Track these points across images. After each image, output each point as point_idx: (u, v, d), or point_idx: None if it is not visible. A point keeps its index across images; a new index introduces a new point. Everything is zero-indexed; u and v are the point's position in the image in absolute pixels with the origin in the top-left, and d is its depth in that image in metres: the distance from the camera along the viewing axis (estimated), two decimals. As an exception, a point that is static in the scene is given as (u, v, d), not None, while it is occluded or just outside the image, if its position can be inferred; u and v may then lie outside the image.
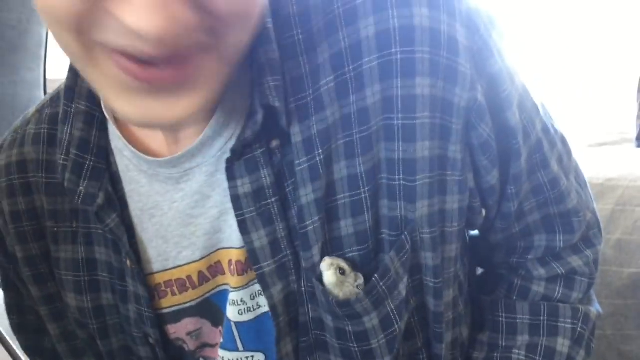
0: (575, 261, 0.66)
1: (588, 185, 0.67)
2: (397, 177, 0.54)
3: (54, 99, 0.64)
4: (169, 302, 0.61)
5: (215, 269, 0.60)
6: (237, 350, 0.61)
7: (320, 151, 0.53)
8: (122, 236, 0.58)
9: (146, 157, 0.57)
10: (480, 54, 0.53)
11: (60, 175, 0.60)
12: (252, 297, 0.59)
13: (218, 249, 0.59)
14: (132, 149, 0.57)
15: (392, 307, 0.56)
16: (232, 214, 0.56)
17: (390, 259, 0.55)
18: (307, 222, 0.53)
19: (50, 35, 1.88)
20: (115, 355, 0.67)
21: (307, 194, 0.53)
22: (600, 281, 1.19)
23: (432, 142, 0.53)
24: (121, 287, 0.62)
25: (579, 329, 0.66)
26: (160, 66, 0.41)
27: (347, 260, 0.55)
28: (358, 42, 0.51)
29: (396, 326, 0.56)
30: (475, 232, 0.70)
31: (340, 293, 0.54)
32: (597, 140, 1.71)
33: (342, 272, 0.54)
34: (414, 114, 0.52)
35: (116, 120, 0.58)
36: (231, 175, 0.54)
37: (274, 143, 0.53)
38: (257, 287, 0.57)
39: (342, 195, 0.54)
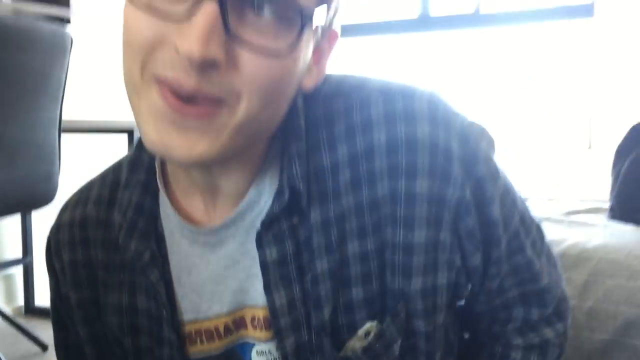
0: (549, 333, 0.77)
1: (558, 265, 0.79)
2: (397, 256, 0.65)
3: (116, 169, 0.75)
4: (198, 349, 0.70)
5: (239, 324, 0.69)
6: None
7: (335, 231, 0.64)
8: (160, 289, 0.68)
9: (189, 226, 0.67)
10: (469, 161, 0.65)
11: (115, 233, 0.69)
12: (277, 349, 0.68)
13: (243, 307, 0.68)
14: (179, 217, 0.67)
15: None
16: (257, 277, 0.66)
17: (387, 324, 0.65)
18: (320, 287, 0.64)
19: (68, 79, 1.98)
20: None
21: (322, 265, 0.64)
22: (573, 344, 1.27)
23: (428, 230, 0.65)
24: (158, 332, 0.70)
25: None
26: (191, 104, 0.52)
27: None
28: (371, 147, 0.63)
29: None
30: (462, 302, 0.79)
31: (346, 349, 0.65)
32: (573, 208, 1.81)
33: (366, 335, 0.65)
34: (414, 207, 0.64)
35: (167, 191, 0.69)
36: (259, 245, 0.64)
37: (295, 220, 0.64)
38: None
39: (355, 268, 0.65)
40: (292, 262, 0.65)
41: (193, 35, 0.49)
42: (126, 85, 0.56)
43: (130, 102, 0.56)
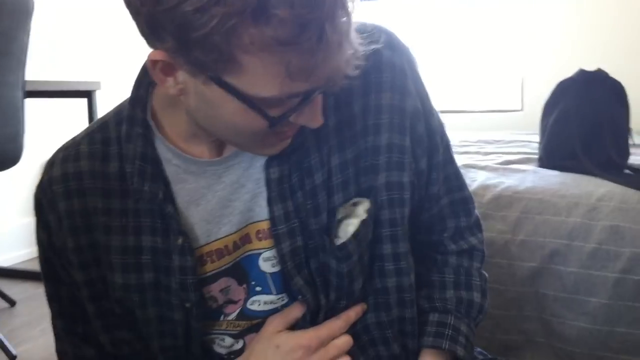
0: (473, 240, 0.95)
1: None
2: (367, 159, 0.80)
3: (103, 126, 0.84)
4: (210, 268, 0.81)
5: (245, 239, 0.81)
6: (271, 294, 0.83)
7: (325, 148, 0.79)
8: (176, 220, 0.78)
9: (198, 159, 0.79)
10: (416, 79, 0.83)
11: (117, 182, 0.80)
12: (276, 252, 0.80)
13: (249, 224, 0.80)
14: (186, 155, 0.78)
15: (364, 246, 0.80)
16: (260, 195, 0.79)
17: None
18: (318, 197, 0.78)
19: (30, 40, 2.02)
20: (151, 323, 0.83)
21: (317, 178, 0.78)
22: (507, 272, 1.44)
23: (391, 134, 0.80)
24: (165, 263, 0.80)
25: (484, 285, 0.94)
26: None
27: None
28: (348, 92, 0.78)
29: (365, 259, 0.81)
30: None
31: (342, 233, 0.79)
32: (507, 159, 1.97)
33: (354, 205, 0.79)
34: (381, 115, 0.80)
35: (167, 139, 0.79)
36: (268, 165, 0.78)
37: (296, 144, 0.78)
38: None
39: (336, 177, 0.79)
40: (286, 182, 0.78)
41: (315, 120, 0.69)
42: (238, 137, 0.72)
43: (240, 143, 0.74)
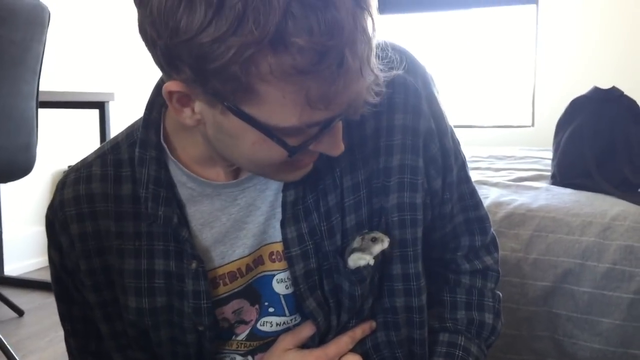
0: (488, 260, 0.93)
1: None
2: (380, 180, 0.80)
3: (115, 148, 0.83)
4: (223, 290, 0.81)
5: (258, 261, 0.81)
6: (284, 315, 0.82)
7: (338, 170, 0.78)
8: (190, 244, 0.77)
9: (213, 182, 0.78)
10: (430, 99, 0.82)
11: (129, 205, 0.79)
12: (290, 273, 0.80)
13: (262, 246, 0.80)
14: (200, 178, 0.78)
15: (376, 269, 0.79)
16: (274, 217, 0.79)
17: None
18: (332, 219, 0.78)
19: (45, 51, 2.03)
20: (163, 344, 0.82)
21: (331, 200, 0.78)
22: (519, 291, 1.42)
23: (403, 155, 0.79)
24: (179, 287, 0.79)
25: (497, 306, 0.93)
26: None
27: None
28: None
29: (375, 281, 0.81)
30: None
31: (352, 263, 0.77)
32: (520, 175, 1.97)
33: (374, 240, 0.78)
34: (393, 136, 0.79)
35: (180, 162, 0.78)
36: (286, 188, 0.77)
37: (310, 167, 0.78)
38: None
39: (349, 198, 0.79)
40: (301, 204, 0.78)
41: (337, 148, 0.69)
42: (256, 165, 0.71)
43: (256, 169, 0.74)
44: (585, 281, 1.38)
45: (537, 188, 1.71)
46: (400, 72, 0.74)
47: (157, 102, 0.80)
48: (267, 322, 0.83)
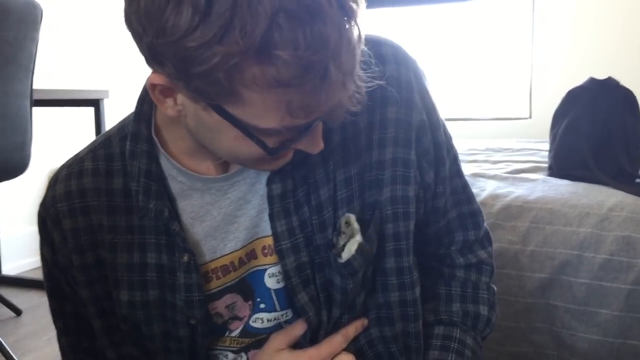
0: (483, 254, 0.93)
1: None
2: (373, 173, 0.80)
3: (106, 142, 0.83)
4: (215, 284, 0.81)
5: (251, 255, 0.80)
6: (275, 310, 0.82)
7: (331, 163, 0.78)
8: (182, 238, 0.77)
9: (203, 176, 0.78)
10: (423, 92, 0.82)
11: (120, 199, 0.79)
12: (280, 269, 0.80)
13: (254, 239, 0.80)
14: (191, 172, 0.78)
15: (369, 262, 0.79)
16: (265, 211, 0.78)
17: (370, 231, 0.78)
18: (324, 212, 0.78)
19: (39, 49, 2.02)
20: (156, 339, 0.82)
21: (324, 193, 0.77)
22: (517, 284, 1.42)
23: (396, 148, 0.80)
24: (171, 281, 0.79)
25: (492, 298, 0.93)
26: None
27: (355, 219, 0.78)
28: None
29: (368, 275, 0.81)
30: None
31: (343, 254, 0.77)
32: (517, 167, 1.96)
33: (347, 224, 0.77)
34: (386, 130, 0.79)
35: (171, 156, 0.78)
36: (270, 181, 0.77)
37: (298, 159, 0.77)
38: None
39: (341, 192, 0.79)
40: (290, 198, 0.77)
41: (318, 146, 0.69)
42: (238, 159, 0.72)
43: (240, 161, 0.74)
44: (582, 272, 1.37)
45: (534, 180, 1.70)
46: (382, 82, 0.75)
47: (148, 97, 0.80)
48: (258, 318, 0.83)
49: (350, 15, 0.57)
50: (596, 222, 1.40)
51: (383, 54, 0.78)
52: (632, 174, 1.65)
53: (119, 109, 2.84)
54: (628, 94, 1.71)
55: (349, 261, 0.77)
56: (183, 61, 0.56)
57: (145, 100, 0.80)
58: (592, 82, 1.75)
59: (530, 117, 3.88)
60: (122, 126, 0.84)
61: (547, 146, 2.06)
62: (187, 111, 0.66)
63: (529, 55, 3.85)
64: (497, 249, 1.39)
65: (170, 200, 0.79)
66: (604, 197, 1.47)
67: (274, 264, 0.80)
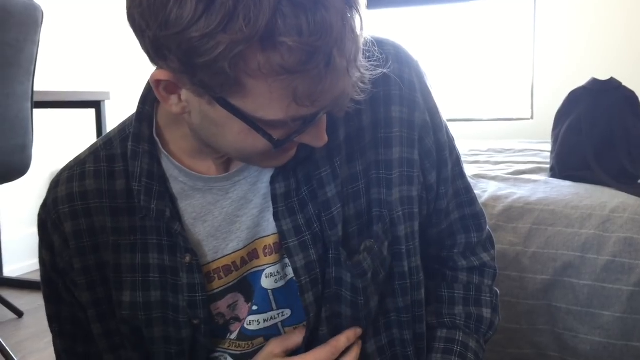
0: (485, 257, 0.93)
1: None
2: (380, 172, 0.80)
3: (107, 144, 0.83)
4: (217, 284, 0.80)
5: (252, 255, 0.80)
6: (271, 310, 0.81)
7: (337, 159, 0.78)
8: (183, 238, 0.77)
9: (204, 176, 0.78)
10: (425, 92, 0.82)
11: (123, 200, 0.79)
12: (283, 268, 0.80)
13: (256, 239, 0.80)
14: (192, 172, 0.78)
15: (379, 263, 0.79)
16: (267, 210, 0.78)
17: (377, 229, 0.79)
18: (333, 209, 0.77)
19: (40, 51, 2.02)
20: (155, 342, 0.82)
21: (330, 190, 0.77)
22: (519, 285, 1.41)
23: (402, 147, 0.80)
24: (173, 281, 0.79)
25: (495, 301, 0.92)
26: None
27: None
28: (357, 104, 0.76)
29: (380, 276, 0.80)
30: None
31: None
32: (519, 168, 1.96)
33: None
34: (391, 128, 0.79)
35: (172, 156, 0.78)
36: (273, 180, 0.77)
37: (302, 155, 0.77)
38: (286, 260, 0.78)
39: (347, 188, 0.79)
40: (295, 197, 0.77)
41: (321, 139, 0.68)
42: (240, 153, 0.71)
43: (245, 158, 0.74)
44: (585, 274, 1.37)
45: (535, 181, 1.70)
46: (386, 70, 0.75)
47: (150, 96, 0.80)
48: (253, 320, 0.82)
49: (352, 3, 0.58)
50: (598, 224, 1.39)
51: (385, 53, 0.78)
52: (634, 175, 1.64)
53: (120, 110, 2.84)
54: (630, 95, 1.71)
55: (358, 262, 0.78)
56: (187, 53, 0.56)
57: (147, 101, 0.80)
58: (594, 82, 1.75)
59: (532, 117, 3.87)
60: (123, 127, 0.84)
61: (549, 147, 2.06)
62: (192, 107, 0.65)
63: (530, 56, 3.85)
64: (499, 250, 1.38)
65: (171, 200, 0.79)
66: (606, 198, 1.47)
67: (273, 264, 0.80)
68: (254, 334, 0.83)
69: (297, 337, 0.81)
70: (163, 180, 0.79)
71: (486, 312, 0.90)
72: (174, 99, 0.66)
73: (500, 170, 1.92)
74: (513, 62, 3.91)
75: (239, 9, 0.53)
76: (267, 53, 0.55)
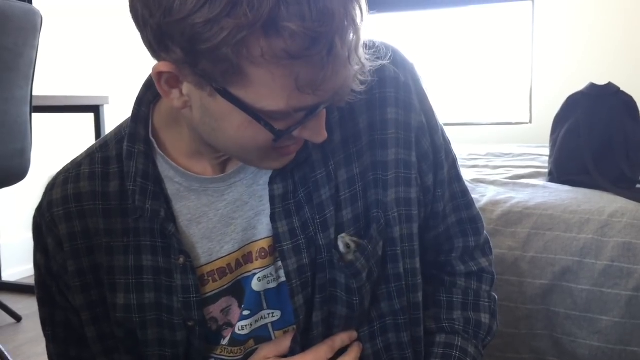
0: (484, 262, 0.93)
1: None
2: (376, 173, 0.80)
3: (103, 146, 0.83)
4: (211, 287, 0.80)
5: (247, 258, 0.80)
6: (262, 309, 0.81)
7: (332, 162, 0.78)
8: (177, 239, 0.77)
9: (200, 176, 0.78)
10: (421, 95, 0.83)
11: (117, 202, 0.79)
12: (276, 270, 0.80)
13: (251, 242, 0.79)
14: (188, 173, 0.78)
15: (373, 263, 0.79)
16: (263, 213, 0.78)
17: (372, 229, 0.79)
18: (326, 212, 0.77)
19: (39, 56, 2.02)
20: (150, 345, 0.81)
21: (325, 193, 0.77)
22: (517, 289, 1.41)
23: (397, 149, 0.80)
24: (167, 283, 0.79)
25: (493, 306, 0.92)
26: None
27: (353, 238, 0.78)
28: (352, 107, 0.78)
29: (374, 276, 0.80)
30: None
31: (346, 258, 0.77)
32: (517, 173, 1.96)
33: (347, 247, 0.78)
34: (387, 130, 0.80)
35: (168, 157, 0.79)
36: (272, 181, 0.77)
37: (301, 159, 0.77)
38: (279, 263, 0.79)
39: (344, 191, 0.79)
40: (292, 199, 0.77)
41: (320, 135, 0.69)
42: (240, 151, 0.71)
43: (243, 156, 0.73)
44: (583, 279, 1.37)
45: (534, 185, 1.70)
46: (386, 62, 0.75)
47: (146, 98, 0.80)
48: (244, 325, 0.82)
49: None
50: (597, 229, 1.39)
51: (378, 49, 0.78)
52: (632, 180, 1.64)
53: (119, 114, 2.83)
54: (628, 100, 1.71)
55: (351, 262, 0.78)
56: (191, 40, 0.56)
57: (143, 102, 0.80)
58: (593, 87, 1.75)
59: (530, 122, 3.88)
60: (118, 130, 0.84)
61: (547, 151, 2.06)
62: (193, 101, 0.66)
63: (529, 60, 3.85)
64: (498, 255, 1.38)
65: (166, 201, 0.79)
66: (604, 203, 1.47)
67: (267, 267, 0.80)
68: (245, 338, 0.83)
69: (288, 342, 0.81)
70: (158, 180, 0.79)
71: (484, 318, 0.90)
72: (175, 92, 0.66)
73: (499, 175, 1.92)
74: (511, 67, 3.92)
75: None
76: (270, 39, 0.56)
